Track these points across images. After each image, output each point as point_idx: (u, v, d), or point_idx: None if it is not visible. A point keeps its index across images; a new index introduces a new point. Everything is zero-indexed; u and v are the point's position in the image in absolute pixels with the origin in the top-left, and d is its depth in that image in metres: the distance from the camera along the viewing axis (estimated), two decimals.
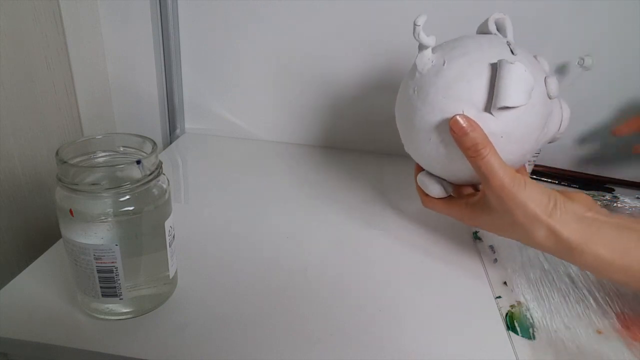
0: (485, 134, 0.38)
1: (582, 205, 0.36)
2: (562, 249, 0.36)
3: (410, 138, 0.44)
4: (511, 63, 0.36)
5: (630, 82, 0.62)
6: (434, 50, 0.42)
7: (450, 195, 0.46)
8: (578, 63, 0.59)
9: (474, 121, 0.38)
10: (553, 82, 0.40)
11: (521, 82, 0.37)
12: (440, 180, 0.45)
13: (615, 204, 0.57)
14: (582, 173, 0.67)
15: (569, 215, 0.35)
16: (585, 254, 0.35)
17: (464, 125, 0.38)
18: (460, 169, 0.41)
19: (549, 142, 0.44)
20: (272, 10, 0.63)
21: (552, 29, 0.60)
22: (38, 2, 0.51)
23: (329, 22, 0.63)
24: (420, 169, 0.47)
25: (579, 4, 0.58)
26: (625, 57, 0.61)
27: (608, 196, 0.59)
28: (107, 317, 0.34)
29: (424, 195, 0.47)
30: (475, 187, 0.47)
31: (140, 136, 0.35)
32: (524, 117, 0.39)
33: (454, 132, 0.38)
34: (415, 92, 0.41)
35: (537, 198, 0.36)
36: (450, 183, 0.45)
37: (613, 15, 0.59)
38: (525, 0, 0.58)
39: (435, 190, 0.45)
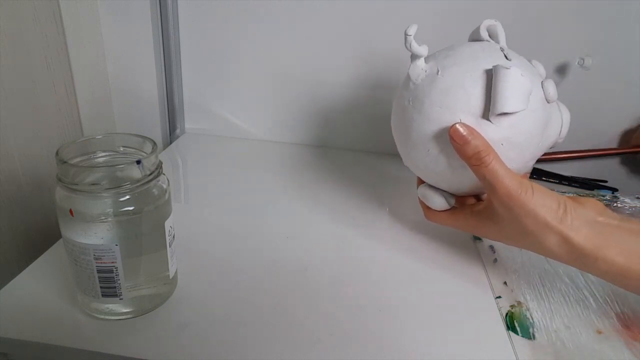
0: (487, 141, 0.37)
1: (593, 211, 0.35)
2: (575, 257, 0.35)
3: (408, 150, 0.43)
4: (507, 68, 0.36)
5: (631, 82, 0.62)
6: (426, 60, 0.41)
7: (453, 207, 0.44)
8: (578, 63, 0.59)
9: (474, 129, 0.37)
10: (551, 86, 0.39)
11: (518, 87, 0.36)
12: (441, 192, 0.44)
13: (615, 204, 0.57)
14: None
15: (581, 220, 0.34)
16: (600, 260, 0.34)
17: (465, 133, 0.36)
18: (462, 180, 0.41)
19: (550, 148, 0.43)
20: (272, 11, 0.63)
21: (552, 29, 0.60)
22: (38, 2, 0.51)
23: (329, 23, 0.63)
24: (421, 181, 0.46)
25: (579, 4, 0.58)
26: (625, 57, 0.61)
27: (608, 196, 0.59)
28: (107, 317, 0.34)
29: (427, 208, 0.46)
30: (477, 197, 0.46)
31: (140, 136, 0.35)
32: (524, 123, 0.38)
33: (454, 141, 0.37)
34: (410, 103, 0.41)
35: (546, 204, 0.35)
36: (452, 194, 0.44)
37: (613, 15, 0.59)
38: (525, 0, 0.58)
39: (438, 202, 0.44)
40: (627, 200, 0.57)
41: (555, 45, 0.61)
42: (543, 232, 0.35)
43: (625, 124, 0.65)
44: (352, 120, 0.70)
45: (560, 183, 0.66)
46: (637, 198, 0.58)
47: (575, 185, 0.65)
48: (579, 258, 0.35)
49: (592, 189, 0.64)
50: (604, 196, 0.59)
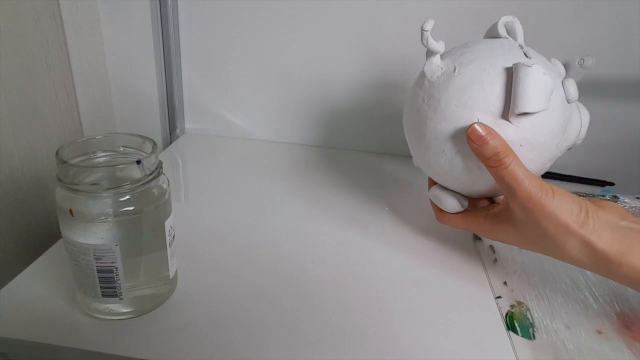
0: (506, 142, 0.35)
1: (615, 214, 0.34)
2: (597, 262, 0.34)
3: (421, 150, 0.42)
4: (529, 66, 0.34)
5: (630, 82, 0.62)
6: (442, 57, 0.40)
7: (466, 209, 0.43)
8: (578, 63, 0.59)
9: (492, 129, 0.36)
10: (572, 85, 0.38)
11: (540, 86, 0.34)
12: (455, 193, 0.43)
13: None
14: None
15: (603, 224, 0.33)
16: (624, 266, 0.32)
17: (483, 133, 0.35)
18: (478, 181, 0.40)
19: (568, 149, 0.42)
20: (272, 11, 0.63)
21: (552, 29, 0.60)
22: (38, 2, 0.51)
23: (329, 22, 0.63)
24: (433, 183, 0.45)
25: (579, 4, 0.58)
26: (625, 57, 0.61)
27: (608, 196, 0.59)
28: (107, 317, 0.34)
29: (438, 210, 0.44)
30: (491, 199, 0.45)
31: (140, 136, 0.35)
32: (544, 123, 0.36)
33: (472, 141, 0.36)
34: (425, 101, 0.39)
35: (567, 207, 0.34)
36: (465, 196, 0.43)
37: (613, 15, 0.59)
38: (525, 0, 0.58)
39: (451, 204, 0.42)
40: (627, 200, 0.57)
41: (555, 45, 0.61)
42: (563, 236, 0.34)
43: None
44: (354, 121, 0.70)
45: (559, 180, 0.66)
46: (637, 198, 0.58)
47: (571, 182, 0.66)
48: (600, 263, 0.34)
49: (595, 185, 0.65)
50: (603, 196, 0.59)
